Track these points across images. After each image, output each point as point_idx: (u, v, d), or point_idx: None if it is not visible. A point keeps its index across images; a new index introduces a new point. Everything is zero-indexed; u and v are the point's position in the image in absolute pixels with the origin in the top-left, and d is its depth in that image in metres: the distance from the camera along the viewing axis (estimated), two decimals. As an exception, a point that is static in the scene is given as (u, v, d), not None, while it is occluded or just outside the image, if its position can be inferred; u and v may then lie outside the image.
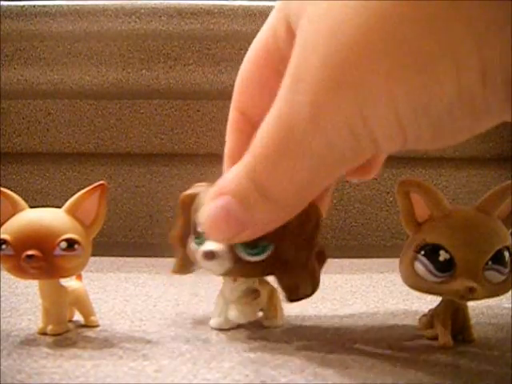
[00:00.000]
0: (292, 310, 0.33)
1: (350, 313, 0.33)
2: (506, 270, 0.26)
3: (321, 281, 0.28)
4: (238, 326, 0.30)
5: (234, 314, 0.29)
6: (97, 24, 0.57)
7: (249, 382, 0.22)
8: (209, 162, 0.59)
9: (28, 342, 0.27)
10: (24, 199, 0.28)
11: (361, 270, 0.46)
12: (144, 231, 0.60)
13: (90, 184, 0.28)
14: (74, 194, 0.28)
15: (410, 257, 0.26)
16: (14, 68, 0.58)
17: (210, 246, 0.26)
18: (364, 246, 0.60)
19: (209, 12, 0.57)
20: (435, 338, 0.27)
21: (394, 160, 0.60)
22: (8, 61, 0.58)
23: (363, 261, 0.51)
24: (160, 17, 0.57)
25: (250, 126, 0.28)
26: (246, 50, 0.27)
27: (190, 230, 0.28)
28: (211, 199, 0.24)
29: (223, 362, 0.24)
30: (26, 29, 0.58)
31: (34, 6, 0.58)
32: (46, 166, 0.59)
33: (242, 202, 0.23)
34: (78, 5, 0.58)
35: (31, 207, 0.28)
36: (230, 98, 0.29)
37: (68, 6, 0.58)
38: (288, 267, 0.27)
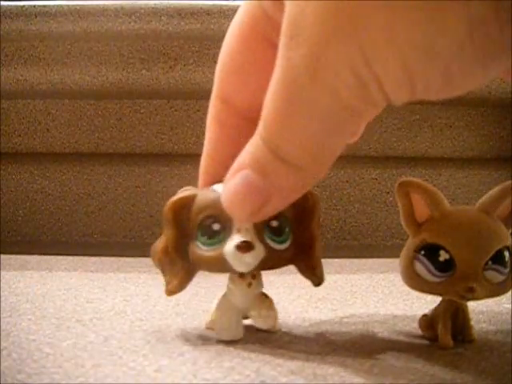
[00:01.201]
0: (292, 311, 0.33)
1: (350, 313, 0.33)
2: (506, 270, 0.26)
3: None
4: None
5: (265, 322, 0.28)
6: (97, 24, 0.57)
7: (249, 382, 0.22)
8: (209, 161, 0.59)
9: (28, 341, 0.27)
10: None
11: (361, 270, 0.46)
12: (144, 231, 0.60)
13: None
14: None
15: (410, 257, 0.26)
16: (14, 68, 0.58)
17: (239, 238, 0.25)
18: (364, 246, 0.60)
19: (209, 12, 0.57)
20: (435, 339, 0.27)
21: (394, 160, 0.60)
22: (8, 61, 0.58)
23: (363, 261, 0.51)
24: (160, 17, 0.57)
25: (236, 116, 0.26)
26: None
27: (185, 238, 0.26)
28: (230, 177, 0.23)
29: (223, 362, 0.24)
30: (26, 29, 0.58)
31: (34, 5, 0.58)
32: (46, 166, 0.59)
33: (260, 170, 0.22)
34: (77, 5, 0.58)
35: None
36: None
37: (68, 5, 0.58)
38: (304, 253, 0.27)
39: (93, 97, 0.59)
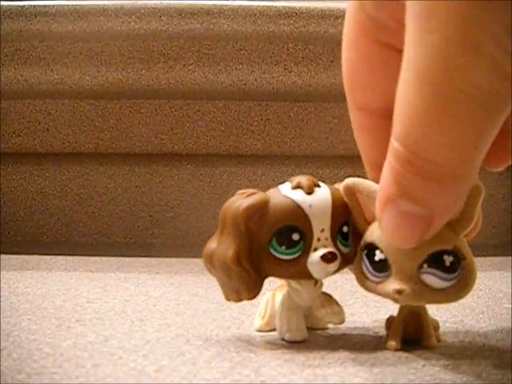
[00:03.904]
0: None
1: (350, 313, 0.33)
2: (448, 276, 0.24)
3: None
4: (239, 327, 0.30)
5: (338, 318, 0.28)
6: (97, 24, 0.57)
7: (249, 382, 0.22)
8: (209, 161, 0.59)
9: (28, 341, 0.27)
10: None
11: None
12: (144, 231, 0.60)
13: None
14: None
15: (358, 255, 0.26)
16: (14, 68, 0.58)
17: (324, 249, 0.25)
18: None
19: (209, 12, 0.57)
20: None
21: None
22: (8, 61, 0.58)
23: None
24: (160, 17, 0.57)
25: (377, 118, 0.25)
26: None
27: (255, 246, 0.25)
28: (381, 210, 0.22)
29: (223, 361, 0.24)
30: (26, 29, 0.58)
31: (34, 6, 0.58)
32: (46, 166, 0.59)
33: (412, 198, 0.20)
34: (77, 5, 0.58)
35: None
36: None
37: (68, 6, 0.58)
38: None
39: (93, 97, 0.59)
